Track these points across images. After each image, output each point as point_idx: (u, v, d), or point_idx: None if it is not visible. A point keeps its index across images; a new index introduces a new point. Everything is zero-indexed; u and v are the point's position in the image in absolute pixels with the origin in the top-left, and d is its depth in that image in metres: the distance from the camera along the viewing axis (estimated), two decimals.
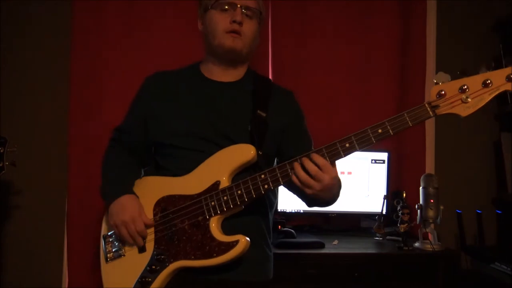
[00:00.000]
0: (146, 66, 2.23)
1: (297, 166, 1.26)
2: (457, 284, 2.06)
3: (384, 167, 2.41)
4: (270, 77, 2.41)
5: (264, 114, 1.42)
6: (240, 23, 1.39)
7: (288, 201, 2.33)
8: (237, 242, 1.28)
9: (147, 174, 1.51)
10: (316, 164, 1.24)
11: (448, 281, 2.01)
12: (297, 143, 1.48)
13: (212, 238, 1.30)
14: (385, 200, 2.35)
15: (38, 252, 2.31)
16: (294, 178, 1.27)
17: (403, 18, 2.54)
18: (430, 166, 2.53)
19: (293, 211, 2.35)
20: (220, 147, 1.37)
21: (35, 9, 2.35)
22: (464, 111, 1.19)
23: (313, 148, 1.47)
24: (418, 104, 2.67)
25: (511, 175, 2.53)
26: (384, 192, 2.39)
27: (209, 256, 1.29)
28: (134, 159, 1.53)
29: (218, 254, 1.29)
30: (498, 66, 1.18)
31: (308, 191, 1.26)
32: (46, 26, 2.36)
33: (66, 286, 2.29)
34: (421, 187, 2.21)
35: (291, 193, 1.46)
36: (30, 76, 2.35)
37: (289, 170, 1.28)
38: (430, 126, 2.53)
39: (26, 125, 2.33)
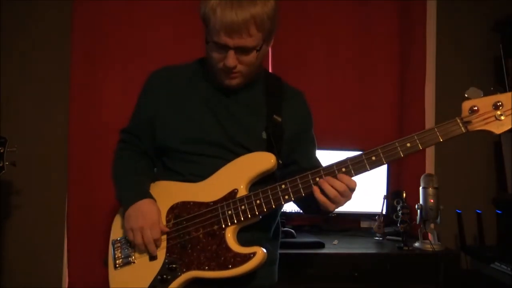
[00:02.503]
0: (146, 65, 2.20)
1: (323, 183, 1.20)
2: (457, 284, 2.05)
3: (384, 167, 2.40)
4: None
5: (279, 119, 1.35)
6: (234, 67, 1.26)
7: None
8: (254, 254, 1.22)
9: (158, 177, 1.43)
10: (343, 183, 1.21)
11: (448, 281, 2.01)
12: (304, 150, 1.43)
13: (228, 249, 1.24)
14: (385, 200, 2.35)
15: (38, 252, 2.31)
16: (318, 194, 1.21)
17: (403, 18, 2.54)
18: (430, 166, 2.53)
19: (293, 211, 2.35)
20: (235, 153, 1.31)
21: (35, 9, 2.35)
22: (498, 128, 1.14)
23: (316, 155, 1.44)
24: (418, 104, 2.67)
25: (511, 175, 2.54)
26: (384, 192, 2.38)
27: (224, 267, 1.23)
28: (146, 161, 1.46)
29: (234, 266, 1.23)
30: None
31: (332, 207, 1.23)
32: (47, 26, 2.36)
33: (66, 286, 2.29)
34: (421, 187, 2.21)
35: None
36: (30, 76, 2.35)
37: (311, 181, 1.23)
38: (430, 126, 2.53)
39: (26, 125, 2.33)
